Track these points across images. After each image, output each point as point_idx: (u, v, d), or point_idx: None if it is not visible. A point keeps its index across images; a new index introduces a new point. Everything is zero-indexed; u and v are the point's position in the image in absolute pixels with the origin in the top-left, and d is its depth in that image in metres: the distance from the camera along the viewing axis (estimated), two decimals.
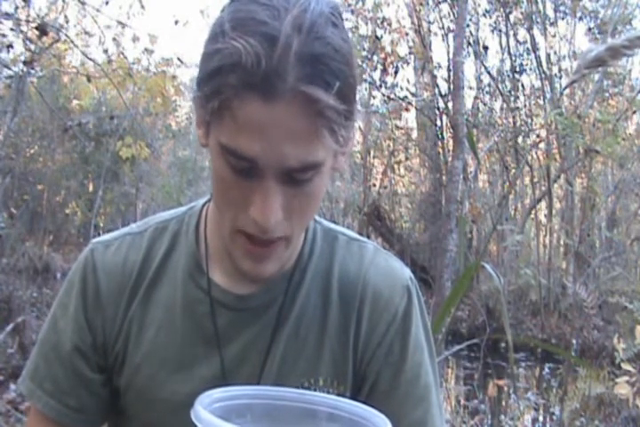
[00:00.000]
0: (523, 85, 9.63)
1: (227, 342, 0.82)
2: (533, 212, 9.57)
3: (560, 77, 9.26)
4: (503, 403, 5.41)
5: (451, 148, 8.23)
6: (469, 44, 9.20)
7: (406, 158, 11.47)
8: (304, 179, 0.70)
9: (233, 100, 0.65)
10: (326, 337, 0.83)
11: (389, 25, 9.16)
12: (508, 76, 9.63)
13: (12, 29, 5.23)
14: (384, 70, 8.89)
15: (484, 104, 10.06)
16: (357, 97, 0.72)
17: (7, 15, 5.11)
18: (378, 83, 8.97)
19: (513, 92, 9.53)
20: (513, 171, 9.08)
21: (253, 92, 0.64)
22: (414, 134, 11.43)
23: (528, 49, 9.36)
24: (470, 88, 9.70)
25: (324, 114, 0.65)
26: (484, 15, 9.57)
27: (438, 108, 9.73)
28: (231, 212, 0.73)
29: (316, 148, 0.68)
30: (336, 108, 0.66)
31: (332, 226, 0.90)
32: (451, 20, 9.26)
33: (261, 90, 0.64)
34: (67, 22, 7.40)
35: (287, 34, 0.63)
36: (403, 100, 9.16)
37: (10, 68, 5.92)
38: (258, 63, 0.63)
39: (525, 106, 9.68)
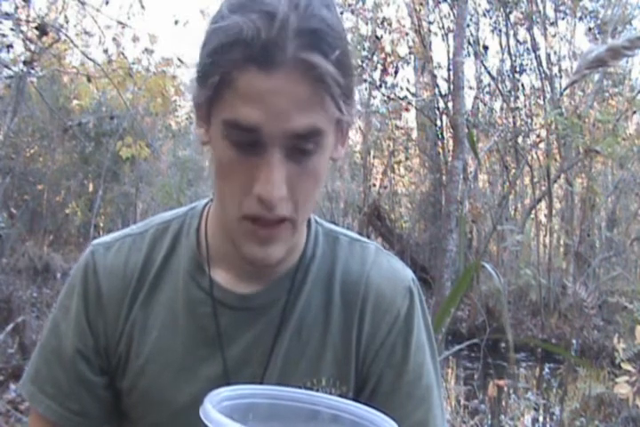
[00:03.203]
0: (523, 85, 9.62)
1: (229, 343, 0.82)
2: (533, 212, 9.56)
3: (560, 77, 9.25)
4: (503, 403, 5.40)
5: (451, 148, 8.24)
6: (469, 44, 9.19)
7: (406, 158, 11.47)
8: (308, 149, 0.70)
9: (232, 73, 0.67)
10: (329, 337, 0.83)
11: (389, 25, 9.16)
12: (508, 76, 9.62)
13: (11, 29, 5.21)
14: (384, 70, 8.89)
15: (484, 104, 10.05)
16: (356, 84, 0.73)
17: (7, 15, 5.10)
18: (378, 83, 8.96)
19: (513, 92, 9.52)
20: (513, 171, 9.08)
21: (253, 64, 0.66)
22: (414, 134, 11.43)
23: (528, 49, 9.35)
24: (470, 88, 9.70)
25: (324, 80, 0.67)
26: (484, 15, 9.57)
27: (438, 108, 9.73)
28: (236, 197, 0.72)
29: (318, 113, 0.69)
30: (335, 75, 0.67)
31: (333, 227, 0.90)
32: (451, 20, 9.25)
33: (261, 60, 0.66)
34: (67, 22, 7.42)
35: (284, 11, 0.66)
36: (403, 100, 9.15)
37: (10, 68, 5.90)
38: (257, 36, 0.65)
39: (525, 106, 9.67)
